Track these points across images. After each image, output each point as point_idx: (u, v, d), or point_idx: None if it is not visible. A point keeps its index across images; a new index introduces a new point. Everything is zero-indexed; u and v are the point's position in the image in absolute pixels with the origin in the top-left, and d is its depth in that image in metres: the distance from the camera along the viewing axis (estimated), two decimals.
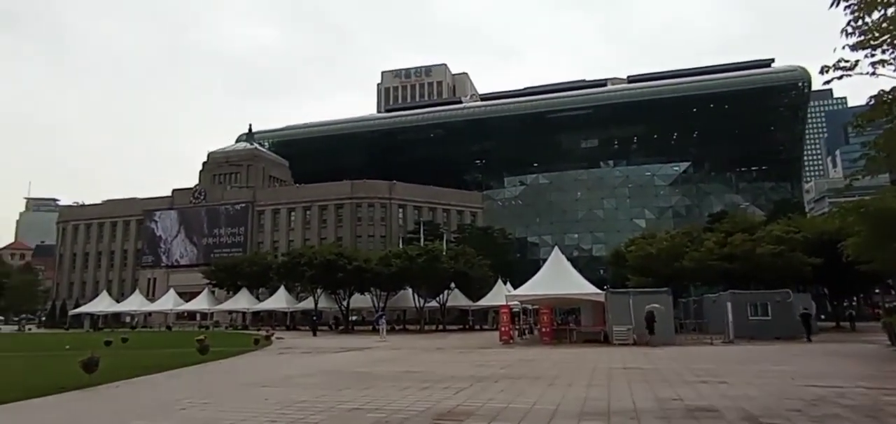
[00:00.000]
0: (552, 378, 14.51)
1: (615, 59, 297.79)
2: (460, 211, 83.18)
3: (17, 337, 45.41)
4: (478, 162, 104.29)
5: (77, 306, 73.85)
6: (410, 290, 52.79)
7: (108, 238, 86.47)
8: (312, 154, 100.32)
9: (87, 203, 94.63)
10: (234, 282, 61.65)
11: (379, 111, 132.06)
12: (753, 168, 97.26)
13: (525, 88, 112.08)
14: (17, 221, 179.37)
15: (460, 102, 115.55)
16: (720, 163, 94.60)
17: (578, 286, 30.91)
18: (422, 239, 58.88)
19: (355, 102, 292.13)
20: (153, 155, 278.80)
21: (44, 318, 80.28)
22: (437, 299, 51.97)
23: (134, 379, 15.55)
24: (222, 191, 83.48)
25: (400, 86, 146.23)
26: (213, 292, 63.80)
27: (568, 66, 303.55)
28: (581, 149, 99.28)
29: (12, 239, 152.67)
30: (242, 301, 59.69)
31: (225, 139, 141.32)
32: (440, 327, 51.53)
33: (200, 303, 62.98)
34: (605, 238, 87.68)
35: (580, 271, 34.40)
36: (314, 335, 40.93)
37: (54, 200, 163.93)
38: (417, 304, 51.91)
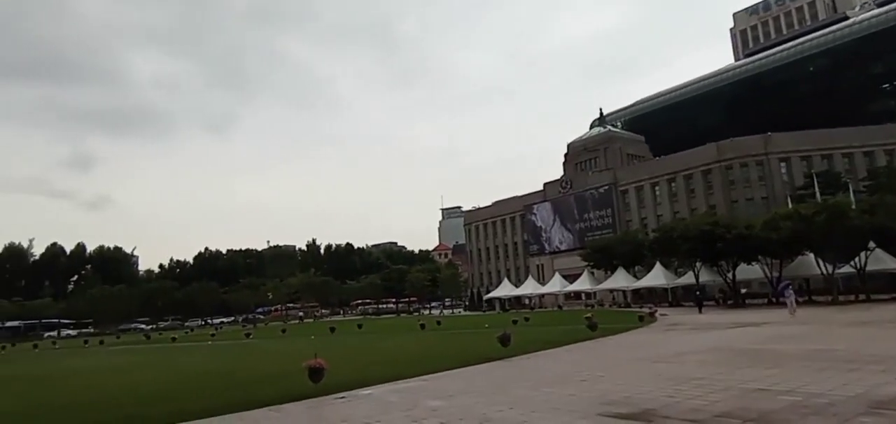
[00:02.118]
0: None
1: None
2: (868, 152, 65.43)
3: (448, 318, 57.39)
4: (885, 86, 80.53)
5: (488, 292, 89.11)
6: (811, 256, 44.66)
7: (501, 233, 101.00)
8: (667, 123, 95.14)
9: (481, 206, 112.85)
10: (609, 262, 63.75)
11: (737, 60, 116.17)
12: None
13: None
14: (438, 228, 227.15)
15: (846, 19, 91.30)
16: None
17: None
18: (817, 194, 49.11)
19: (704, 60, 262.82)
20: (525, 154, 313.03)
21: (467, 303, 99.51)
22: (852, 263, 42.41)
23: (539, 352, 17.97)
24: (585, 177, 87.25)
25: (758, 24, 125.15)
26: (592, 273, 67.46)
27: None
28: None
29: (437, 243, 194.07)
30: (620, 279, 61.20)
31: (580, 127, 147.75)
32: (861, 297, 41.90)
33: (582, 284, 67.48)
34: None
35: None
36: (700, 311, 38.84)
37: (459, 207, 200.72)
38: (824, 271, 43.41)
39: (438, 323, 43.36)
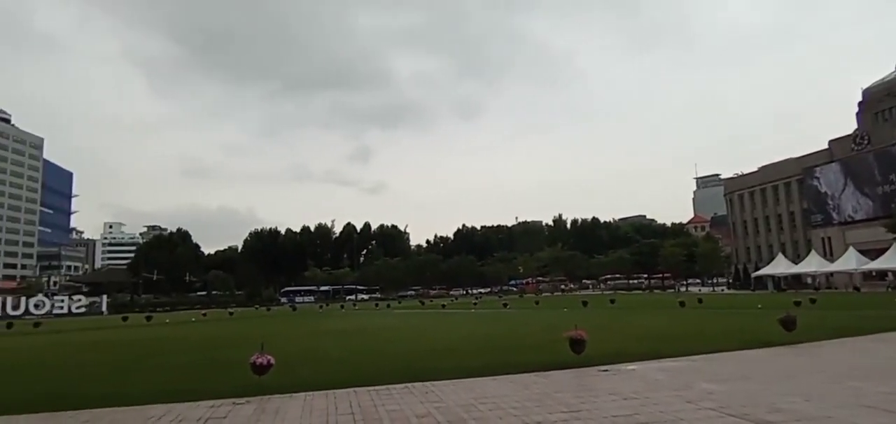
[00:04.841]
0: None
1: None
2: None
3: (710, 297, 52.50)
4: None
5: (756, 269, 78.40)
6: None
7: (771, 201, 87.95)
8: None
9: (744, 172, 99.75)
10: None
11: None
12: None
13: None
14: (692, 199, 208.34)
15: None
16: None
17: None
18: None
19: None
20: (799, 109, 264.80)
21: (730, 281, 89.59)
22: None
23: (835, 340, 15.46)
24: (890, 129, 70.25)
25: None
26: None
27: None
28: None
29: (691, 214, 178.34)
30: None
31: (880, 68, 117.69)
32: None
33: (889, 261, 54.84)
34: None
35: None
36: None
37: (717, 175, 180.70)
38: None
39: (700, 301, 40.12)
